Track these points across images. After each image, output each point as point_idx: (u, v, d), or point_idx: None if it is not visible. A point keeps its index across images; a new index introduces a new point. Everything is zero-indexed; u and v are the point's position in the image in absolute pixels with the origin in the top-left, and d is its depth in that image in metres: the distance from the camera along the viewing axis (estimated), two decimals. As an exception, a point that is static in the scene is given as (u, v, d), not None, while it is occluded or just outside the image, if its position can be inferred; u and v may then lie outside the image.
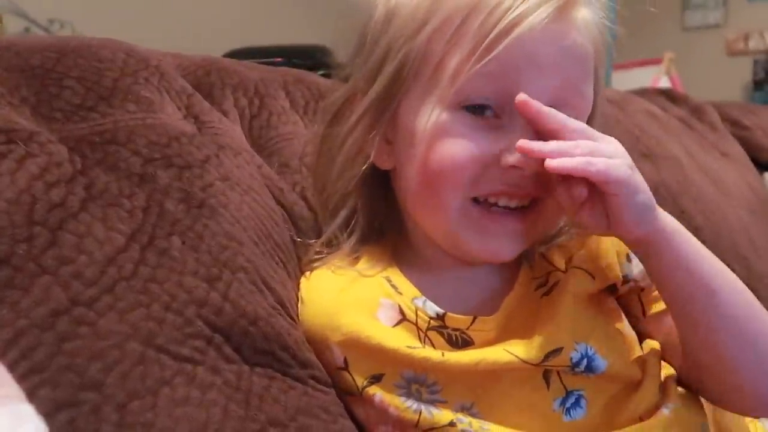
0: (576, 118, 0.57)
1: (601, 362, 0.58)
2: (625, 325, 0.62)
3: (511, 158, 0.55)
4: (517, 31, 0.54)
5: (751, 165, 1.42)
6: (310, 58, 1.43)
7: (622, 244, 0.60)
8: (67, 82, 0.59)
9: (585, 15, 0.58)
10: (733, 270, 1.07)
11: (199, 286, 0.53)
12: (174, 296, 0.51)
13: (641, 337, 0.64)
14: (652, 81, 2.99)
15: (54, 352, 0.45)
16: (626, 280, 0.62)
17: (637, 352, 0.62)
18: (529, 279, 0.61)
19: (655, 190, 1.08)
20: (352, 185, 0.63)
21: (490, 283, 0.62)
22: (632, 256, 0.62)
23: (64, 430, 0.43)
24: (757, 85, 4.35)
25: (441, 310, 0.59)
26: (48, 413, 0.42)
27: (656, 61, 3.18)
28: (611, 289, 0.62)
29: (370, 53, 0.61)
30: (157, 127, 0.60)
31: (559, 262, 0.62)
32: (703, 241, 1.06)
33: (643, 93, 1.42)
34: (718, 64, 4.39)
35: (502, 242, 0.58)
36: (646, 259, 0.57)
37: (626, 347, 0.61)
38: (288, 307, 0.59)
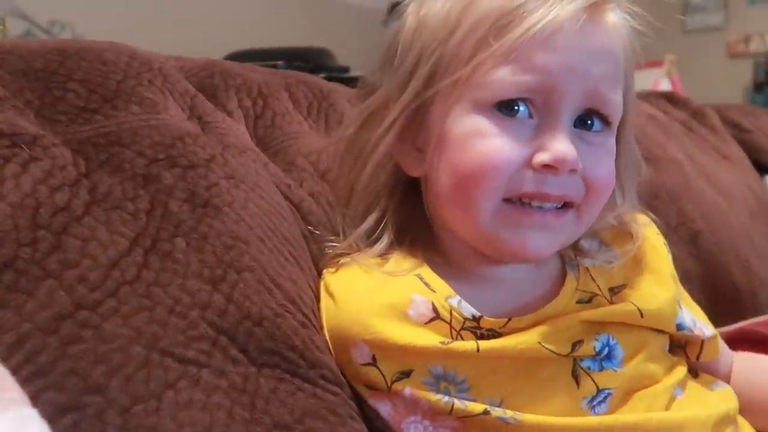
0: (604, 123, 0.59)
1: (621, 350, 0.59)
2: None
3: (545, 156, 0.55)
4: (549, 37, 0.54)
5: (751, 168, 1.42)
6: (311, 60, 1.44)
7: (672, 285, 0.63)
8: (71, 85, 0.59)
9: (614, 19, 0.58)
10: (734, 273, 1.08)
11: (202, 288, 0.53)
12: (177, 299, 0.51)
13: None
14: (652, 83, 2.99)
15: (58, 355, 0.45)
16: (679, 328, 0.63)
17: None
18: (573, 289, 0.61)
19: (655, 193, 1.09)
20: (384, 192, 0.64)
21: (528, 288, 0.61)
22: (680, 300, 0.64)
23: (68, 433, 0.43)
24: (758, 87, 4.35)
25: (477, 313, 0.58)
26: (52, 417, 0.42)
27: (657, 64, 3.18)
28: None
29: (402, 61, 0.61)
30: (161, 128, 0.60)
31: (603, 286, 0.62)
32: (704, 244, 1.07)
33: (644, 96, 1.42)
34: (719, 66, 4.39)
35: (537, 237, 0.57)
36: None
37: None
38: (299, 303, 0.58)
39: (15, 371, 0.43)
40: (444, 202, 0.60)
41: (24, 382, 0.43)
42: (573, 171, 0.56)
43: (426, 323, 0.58)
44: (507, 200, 0.57)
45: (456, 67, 0.57)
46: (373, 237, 0.64)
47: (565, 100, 0.56)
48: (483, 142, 0.56)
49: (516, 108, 0.56)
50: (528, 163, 0.56)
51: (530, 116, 0.57)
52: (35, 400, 0.42)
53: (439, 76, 0.58)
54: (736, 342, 0.95)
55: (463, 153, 0.57)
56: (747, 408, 0.65)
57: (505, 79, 0.55)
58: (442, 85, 0.58)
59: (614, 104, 0.59)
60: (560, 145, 0.55)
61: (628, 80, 0.62)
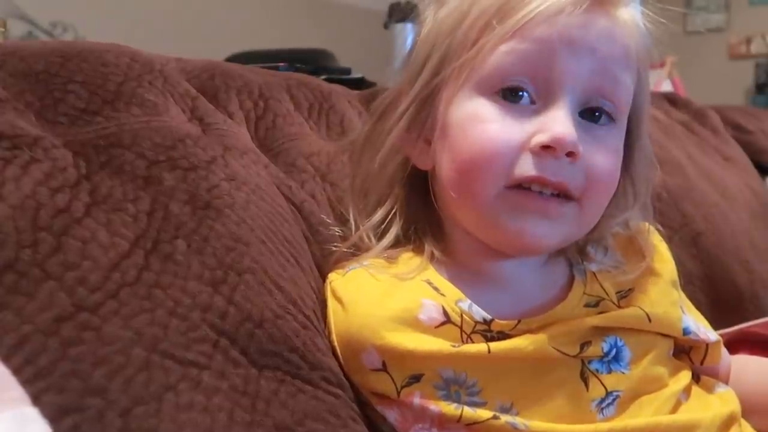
0: (614, 110, 0.58)
1: (628, 352, 0.59)
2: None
3: (542, 137, 0.55)
4: (550, 16, 0.55)
5: (753, 169, 1.42)
6: (312, 62, 1.44)
7: (673, 291, 0.64)
8: (72, 87, 0.59)
9: (624, 15, 0.59)
10: (735, 274, 1.08)
11: (203, 290, 0.53)
12: (178, 301, 0.51)
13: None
14: (654, 85, 2.99)
15: (58, 357, 0.45)
16: (686, 332, 0.63)
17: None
18: (581, 294, 0.61)
19: (657, 195, 1.09)
20: (394, 186, 0.64)
21: (536, 292, 0.61)
22: (683, 305, 0.65)
23: (69, 435, 0.43)
24: (760, 88, 4.35)
25: (488, 316, 0.58)
26: (52, 419, 0.42)
27: (658, 65, 3.18)
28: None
29: (416, 56, 0.63)
30: (162, 130, 0.60)
31: (610, 291, 0.62)
32: (706, 246, 1.07)
33: (645, 97, 1.42)
34: (721, 67, 4.39)
35: (536, 224, 0.57)
36: None
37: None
38: (300, 305, 0.58)
39: (16, 373, 0.43)
40: (447, 190, 0.60)
41: (24, 383, 0.42)
42: (572, 155, 0.55)
43: (437, 327, 0.57)
44: (508, 188, 0.56)
45: (462, 52, 0.58)
46: (382, 228, 0.64)
47: (566, 77, 0.56)
48: (483, 127, 0.57)
49: (520, 95, 0.57)
50: (527, 147, 0.56)
51: (532, 102, 0.57)
52: (36, 401, 0.42)
53: (447, 63, 0.59)
54: (737, 344, 0.96)
55: (464, 139, 0.57)
56: (746, 409, 0.65)
57: (505, 52, 0.56)
58: (448, 71, 0.59)
59: (624, 89, 0.59)
60: (558, 126, 0.55)
61: (642, 79, 0.61)
